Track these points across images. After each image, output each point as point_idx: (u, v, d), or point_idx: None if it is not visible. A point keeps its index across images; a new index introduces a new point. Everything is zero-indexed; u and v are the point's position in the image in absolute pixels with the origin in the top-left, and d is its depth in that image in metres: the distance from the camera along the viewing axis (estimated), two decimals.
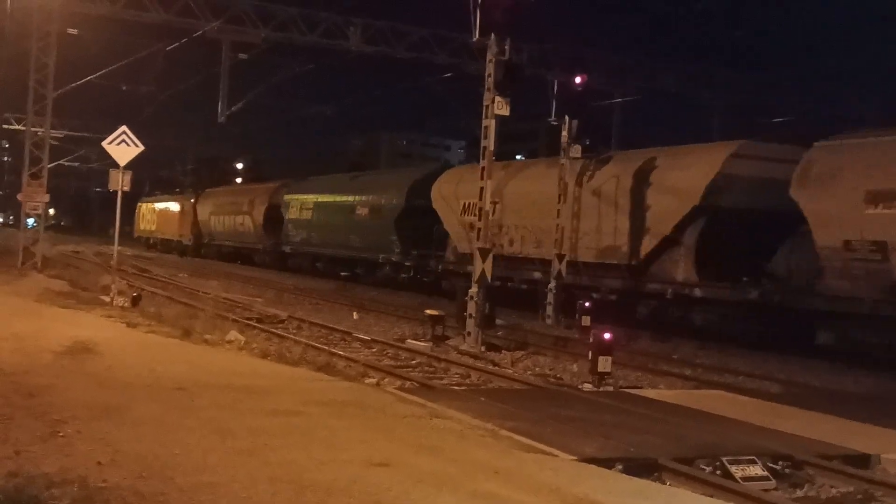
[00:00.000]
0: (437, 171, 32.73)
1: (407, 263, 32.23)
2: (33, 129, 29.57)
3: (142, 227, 70.28)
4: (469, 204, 26.68)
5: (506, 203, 25.97)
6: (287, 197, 43.32)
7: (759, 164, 20.51)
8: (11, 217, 79.67)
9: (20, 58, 30.05)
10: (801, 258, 18.76)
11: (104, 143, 19.60)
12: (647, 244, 21.80)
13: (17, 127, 45.75)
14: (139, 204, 69.40)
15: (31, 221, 31.56)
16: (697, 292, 20.30)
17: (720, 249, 20.18)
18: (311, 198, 41.03)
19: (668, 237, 21.27)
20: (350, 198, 37.19)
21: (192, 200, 58.19)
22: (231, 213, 50.55)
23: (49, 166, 29.43)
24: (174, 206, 62.66)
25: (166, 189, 73.56)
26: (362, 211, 35.65)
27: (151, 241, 66.99)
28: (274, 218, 44.49)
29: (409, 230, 32.01)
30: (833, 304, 17.42)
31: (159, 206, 66.91)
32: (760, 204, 19.58)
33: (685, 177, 21.17)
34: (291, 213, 42.39)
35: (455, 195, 28.97)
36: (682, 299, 20.69)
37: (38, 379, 9.42)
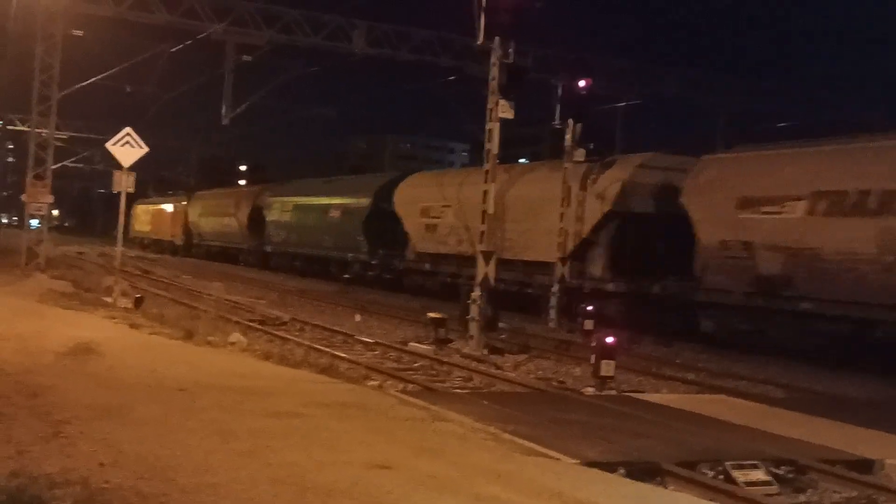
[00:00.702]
0: (401, 176, 35.56)
1: (373, 262, 34.88)
2: (37, 130, 29.59)
3: (137, 228, 72.41)
4: (426, 207, 30.82)
5: (454, 206, 29.02)
6: (268, 200, 46.03)
7: (666, 174, 22.84)
8: (15, 218, 79.79)
9: (25, 59, 30.08)
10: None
11: (108, 145, 19.63)
12: (570, 244, 23.99)
13: (21, 128, 45.80)
14: (134, 206, 71.26)
15: (34, 222, 31.59)
16: (610, 287, 22.88)
17: (631, 248, 22.98)
18: (289, 201, 43.75)
19: (586, 238, 23.86)
20: (324, 201, 39.93)
21: (184, 203, 60.39)
22: (218, 215, 53.16)
23: (53, 167, 29.46)
24: (167, 208, 65.00)
25: (167, 191, 74.33)
26: (335, 213, 38.15)
27: (146, 242, 69.07)
28: (257, 219, 46.93)
29: (376, 231, 34.59)
30: (711, 296, 20.27)
31: (153, 208, 69.41)
32: (668, 208, 21.74)
33: (600, 184, 23.69)
34: (272, 215, 45.08)
35: (414, 199, 31.94)
36: (597, 293, 22.83)
37: (40, 379, 9.42)
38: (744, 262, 19.41)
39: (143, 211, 71.43)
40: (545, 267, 24.21)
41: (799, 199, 18.22)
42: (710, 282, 20.25)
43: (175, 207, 62.38)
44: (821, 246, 17.79)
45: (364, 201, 35.77)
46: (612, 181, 23.26)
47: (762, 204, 19.00)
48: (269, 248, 45.50)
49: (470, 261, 26.28)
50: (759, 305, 19.10)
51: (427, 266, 30.90)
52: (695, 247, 20.72)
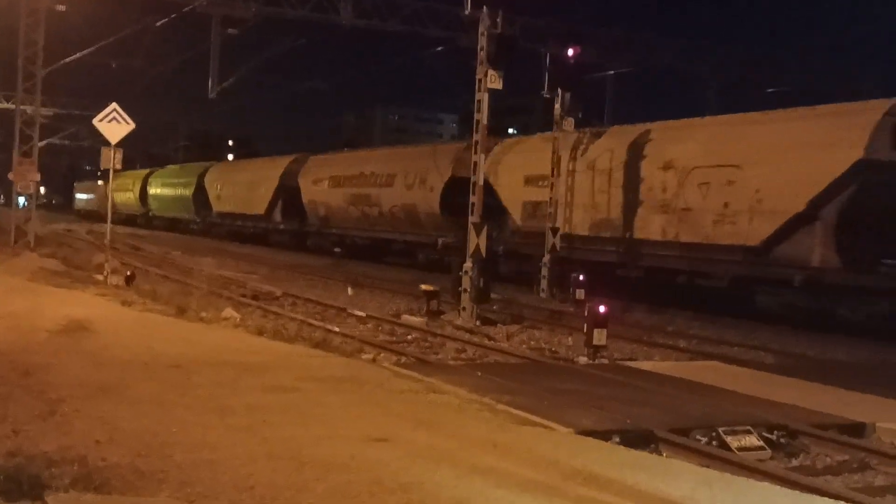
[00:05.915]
0: (211, 164, 56.26)
1: (197, 220, 54.49)
2: (23, 108, 29.33)
3: (78, 201, 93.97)
4: (220, 184, 51.14)
5: (227, 184, 50.33)
6: (150, 179, 65.66)
7: (295, 165, 43.52)
8: (2, 196, 79.89)
9: (9, 35, 29.77)
10: None
11: (95, 121, 19.45)
12: (265, 204, 45.91)
13: (6, 105, 45.40)
14: (74, 184, 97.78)
15: (22, 200, 31.43)
16: (281, 226, 43.57)
17: (292, 206, 43.12)
18: (159, 180, 63.79)
19: (272, 201, 44.32)
20: (173, 180, 60.59)
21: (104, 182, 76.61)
22: (123, 191, 70.80)
23: (40, 145, 29.25)
24: (93, 186, 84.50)
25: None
26: (181, 189, 57.89)
27: (82, 213, 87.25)
28: (144, 194, 66.15)
29: (200, 200, 53.72)
30: (313, 228, 40.40)
31: (84, 185, 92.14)
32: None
33: (275, 171, 44.78)
34: (151, 190, 64.97)
35: (214, 180, 52.13)
36: (279, 231, 44.63)
37: (34, 357, 9.42)
38: (317, 211, 38.98)
39: (80, 188, 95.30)
40: (259, 217, 44.83)
41: (325, 179, 38.24)
42: (310, 221, 39.98)
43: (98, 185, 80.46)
44: (330, 202, 37.51)
45: (193, 181, 54.83)
46: (280, 169, 43.23)
47: (318, 182, 38.85)
48: (150, 214, 65.48)
49: (237, 216, 48.05)
50: (351, 235, 37.31)
51: (219, 220, 50.97)
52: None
